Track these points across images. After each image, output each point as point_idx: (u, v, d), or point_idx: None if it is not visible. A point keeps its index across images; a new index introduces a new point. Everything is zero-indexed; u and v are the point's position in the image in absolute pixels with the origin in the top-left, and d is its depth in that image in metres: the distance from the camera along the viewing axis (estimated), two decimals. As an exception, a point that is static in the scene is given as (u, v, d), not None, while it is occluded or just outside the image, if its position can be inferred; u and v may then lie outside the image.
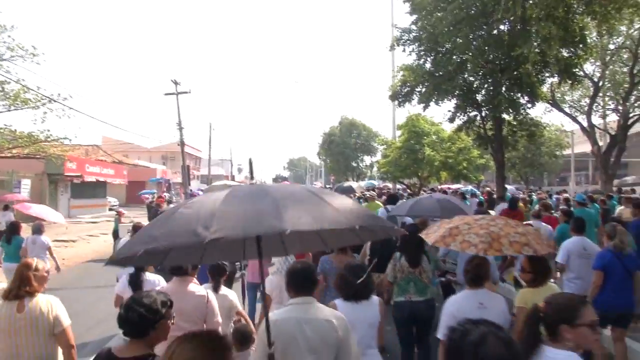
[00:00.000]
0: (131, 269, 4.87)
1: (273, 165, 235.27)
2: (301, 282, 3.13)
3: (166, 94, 32.73)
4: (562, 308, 2.39)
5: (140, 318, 2.53)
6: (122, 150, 49.55)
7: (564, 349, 2.33)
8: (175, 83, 32.13)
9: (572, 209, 10.33)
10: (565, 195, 19.24)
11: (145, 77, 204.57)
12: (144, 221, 20.81)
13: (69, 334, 3.62)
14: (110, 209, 36.42)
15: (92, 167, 32.60)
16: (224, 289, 4.61)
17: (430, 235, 4.64)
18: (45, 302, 3.58)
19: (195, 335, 2.16)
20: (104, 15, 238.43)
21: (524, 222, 6.89)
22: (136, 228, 7.44)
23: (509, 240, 4.06)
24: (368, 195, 14.67)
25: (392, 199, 11.52)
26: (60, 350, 3.63)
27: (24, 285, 3.56)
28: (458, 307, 3.86)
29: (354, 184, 29.04)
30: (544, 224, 9.07)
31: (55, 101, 18.42)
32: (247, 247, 2.79)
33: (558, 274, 7.20)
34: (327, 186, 42.63)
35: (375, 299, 3.91)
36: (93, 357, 2.69)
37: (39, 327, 3.49)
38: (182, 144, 33.40)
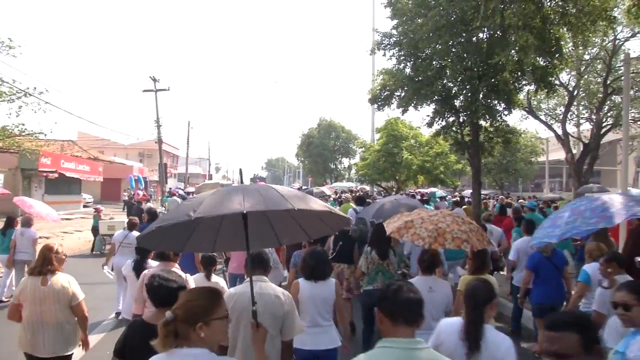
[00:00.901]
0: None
1: (251, 165, 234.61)
2: (256, 263, 3.82)
3: (144, 91, 32.50)
4: None
5: (168, 290, 3.17)
6: (98, 146, 48.91)
7: None
8: (154, 80, 31.89)
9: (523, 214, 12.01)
10: (522, 201, 19.99)
11: (123, 73, 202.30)
12: (123, 217, 20.74)
13: (83, 306, 4.48)
14: (85, 206, 36.00)
15: (67, 163, 32.14)
16: (214, 277, 5.41)
17: (390, 225, 5.43)
18: (65, 279, 4.46)
19: (195, 287, 3.06)
20: (82, 9, 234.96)
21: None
22: (131, 223, 9.10)
23: (452, 236, 4.78)
24: (343, 197, 15.05)
25: (361, 200, 12.51)
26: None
27: (46, 264, 4.40)
28: None
29: (325, 189, 29.15)
30: (494, 226, 10.59)
31: (30, 95, 18.14)
32: (250, 240, 3.15)
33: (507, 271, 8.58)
34: (304, 187, 42.60)
35: (332, 280, 4.69)
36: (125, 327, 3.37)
37: (59, 298, 4.33)
38: (159, 141, 33.18)
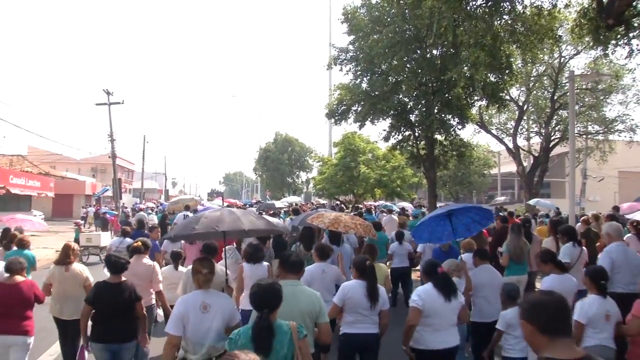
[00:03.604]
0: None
1: (208, 179, 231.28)
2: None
3: (97, 104, 31.74)
4: None
5: (121, 263, 5.23)
6: (49, 161, 47.38)
7: None
8: (108, 93, 31.21)
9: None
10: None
11: (75, 85, 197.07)
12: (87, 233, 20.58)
13: (92, 285, 5.75)
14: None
15: (16, 179, 30.93)
16: (180, 268, 7.13)
17: (309, 218, 8.19)
18: (80, 267, 6.34)
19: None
20: (31, 20, 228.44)
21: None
22: (124, 231, 10.69)
23: (344, 224, 7.24)
24: (290, 209, 18.11)
25: (296, 212, 14.94)
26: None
27: (67, 257, 6.24)
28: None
29: (277, 203, 29.57)
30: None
31: (-24, 109, 17.51)
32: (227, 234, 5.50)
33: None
34: (262, 201, 42.43)
35: (265, 264, 6.52)
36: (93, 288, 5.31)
37: (77, 280, 6.16)
38: (113, 156, 32.38)
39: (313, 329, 4.02)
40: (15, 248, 7.98)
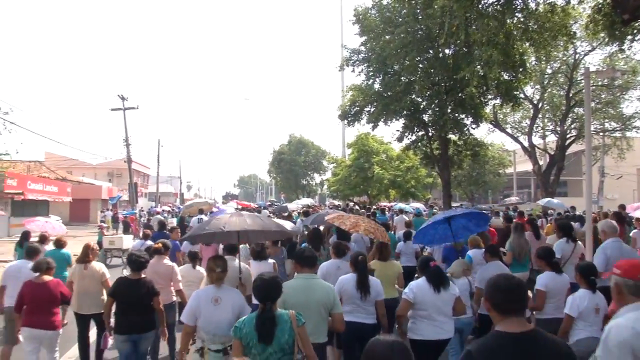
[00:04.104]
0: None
1: (223, 182, 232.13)
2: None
3: (113, 110, 32.01)
4: None
5: (140, 261, 5.66)
6: (66, 166, 47.87)
7: None
8: (122, 98, 31.49)
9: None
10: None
11: (91, 91, 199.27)
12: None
13: (109, 282, 6.40)
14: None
15: (34, 184, 31.36)
16: (198, 268, 7.40)
17: (329, 217, 8.63)
18: (99, 266, 6.82)
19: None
20: (48, 28, 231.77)
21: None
22: (146, 234, 11.14)
23: (364, 228, 7.39)
24: (301, 211, 18.54)
25: (306, 214, 15.45)
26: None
27: (87, 256, 6.71)
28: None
29: (290, 206, 29.57)
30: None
31: (-5, 115, 17.78)
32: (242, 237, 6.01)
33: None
34: (277, 203, 42.49)
35: (270, 261, 7.20)
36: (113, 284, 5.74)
37: (95, 277, 6.63)
38: (129, 160, 32.63)
39: (327, 318, 4.45)
40: (53, 247, 8.77)
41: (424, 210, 19.96)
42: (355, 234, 8.71)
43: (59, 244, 8.61)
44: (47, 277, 5.93)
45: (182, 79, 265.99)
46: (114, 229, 29.70)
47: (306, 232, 10.44)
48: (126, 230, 23.15)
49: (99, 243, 17.03)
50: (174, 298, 6.97)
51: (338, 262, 6.26)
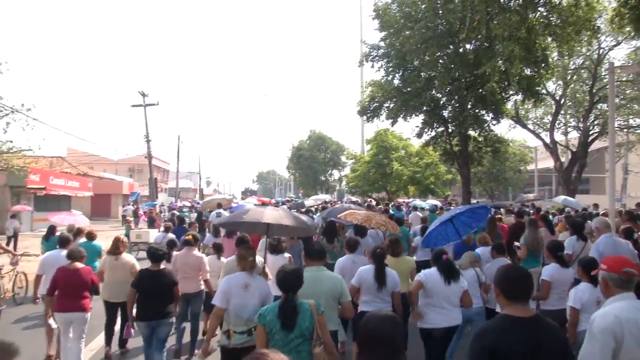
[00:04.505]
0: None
1: (242, 178, 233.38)
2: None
3: (133, 106, 32.39)
4: None
5: (158, 254, 6.06)
6: (87, 162, 48.57)
7: None
8: (143, 95, 31.85)
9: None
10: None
11: (112, 88, 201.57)
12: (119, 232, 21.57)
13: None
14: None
15: (56, 180, 31.85)
16: (222, 259, 7.70)
17: (342, 215, 9.15)
18: (129, 257, 7.35)
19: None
20: (69, 24, 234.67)
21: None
22: (167, 227, 11.65)
23: (375, 221, 8.29)
24: (320, 206, 19.52)
25: (324, 209, 16.26)
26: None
27: (117, 248, 7.22)
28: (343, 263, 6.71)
29: (307, 201, 29.66)
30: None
31: (18, 112, 18.06)
32: (269, 230, 6.44)
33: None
34: (295, 199, 42.60)
35: (286, 255, 7.53)
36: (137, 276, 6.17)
37: (125, 267, 7.09)
38: (149, 156, 33.01)
39: (336, 307, 4.83)
40: (84, 240, 9.35)
41: (441, 206, 19.90)
42: (371, 230, 9.23)
43: (91, 236, 9.30)
44: (79, 264, 6.49)
45: (202, 76, 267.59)
46: (134, 223, 30.48)
47: (323, 225, 11.05)
48: (151, 225, 23.98)
49: (127, 236, 17.47)
50: (202, 287, 7.37)
51: (352, 257, 6.60)
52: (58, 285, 6.33)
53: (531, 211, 15.70)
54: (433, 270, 5.51)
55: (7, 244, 11.17)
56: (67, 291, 6.31)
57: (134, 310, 6.05)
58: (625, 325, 3.07)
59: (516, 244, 9.57)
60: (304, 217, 9.27)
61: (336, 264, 6.55)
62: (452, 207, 17.00)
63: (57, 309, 6.29)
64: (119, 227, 30.36)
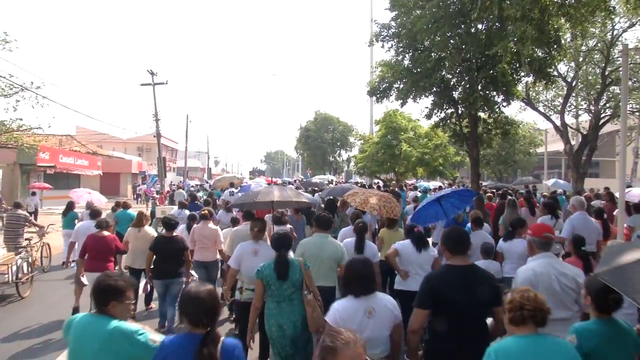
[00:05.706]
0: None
1: (250, 158, 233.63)
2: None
3: (142, 85, 32.35)
4: None
5: (170, 223, 7.64)
6: (96, 140, 48.78)
7: None
8: (152, 74, 31.77)
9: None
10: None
11: (121, 67, 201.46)
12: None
13: None
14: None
15: (65, 158, 32.11)
16: (241, 226, 8.66)
17: (345, 195, 10.21)
18: (150, 229, 8.48)
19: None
20: (79, 3, 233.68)
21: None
22: (182, 204, 13.49)
23: (371, 206, 8.70)
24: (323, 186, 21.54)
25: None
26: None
27: (140, 221, 8.31)
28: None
29: (316, 179, 30.75)
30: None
31: (27, 89, 18.17)
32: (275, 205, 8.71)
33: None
34: (304, 179, 42.70)
35: (288, 226, 8.80)
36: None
37: (146, 238, 7.91)
38: (158, 135, 33.02)
39: (336, 268, 5.89)
40: (121, 210, 11.60)
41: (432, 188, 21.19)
42: None
43: (126, 206, 11.66)
44: (105, 233, 7.82)
45: (210, 55, 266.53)
46: (147, 201, 32.69)
47: (322, 205, 12.46)
48: (172, 202, 25.98)
49: (152, 213, 19.06)
50: (218, 256, 8.40)
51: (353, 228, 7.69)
52: (88, 250, 7.64)
53: (524, 192, 16.73)
54: (406, 242, 6.57)
55: None
56: (95, 254, 7.59)
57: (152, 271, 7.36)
58: (540, 277, 4.03)
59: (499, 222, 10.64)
60: (306, 194, 11.50)
61: (340, 232, 7.97)
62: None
63: (87, 269, 7.53)
64: (141, 206, 30.82)
